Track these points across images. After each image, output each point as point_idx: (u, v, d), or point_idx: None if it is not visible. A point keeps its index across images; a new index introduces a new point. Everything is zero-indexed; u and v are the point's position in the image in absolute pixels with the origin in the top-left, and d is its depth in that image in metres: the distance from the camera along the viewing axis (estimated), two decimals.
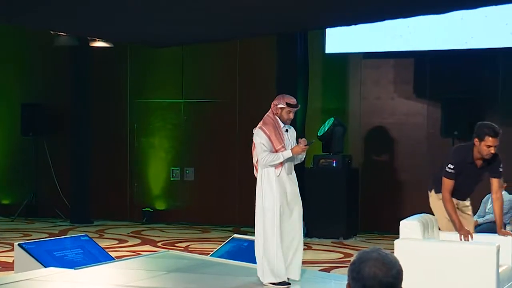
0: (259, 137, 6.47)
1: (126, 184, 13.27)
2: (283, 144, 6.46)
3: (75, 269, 7.04)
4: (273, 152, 6.43)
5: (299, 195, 6.64)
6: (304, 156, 6.72)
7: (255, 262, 7.36)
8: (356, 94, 12.20)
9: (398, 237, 6.16)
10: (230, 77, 12.63)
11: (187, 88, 12.99)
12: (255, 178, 6.62)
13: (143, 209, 12.97)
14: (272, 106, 6.57)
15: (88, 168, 12.89)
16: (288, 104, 6.51)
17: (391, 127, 11.98)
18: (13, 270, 7.53)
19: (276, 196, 6.42)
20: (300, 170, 11.58)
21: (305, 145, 6.42)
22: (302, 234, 6.68)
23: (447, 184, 6.45)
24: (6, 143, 13.91)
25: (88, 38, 11.63)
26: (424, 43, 11.30)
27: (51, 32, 11.15)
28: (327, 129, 11.32)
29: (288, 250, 6.53)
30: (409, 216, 6.55)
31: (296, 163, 6.70)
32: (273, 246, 6.45)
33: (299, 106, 6.73)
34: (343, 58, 12.17)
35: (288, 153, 6.42)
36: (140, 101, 13.25)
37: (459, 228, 6.42)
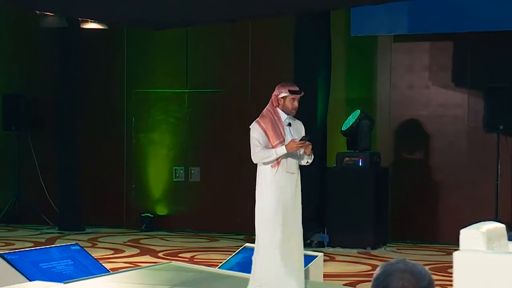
0: (254, 130, 6.60)
1: (122, 186, 13.31)
2: (281, 139, 6.53)
3: (64, 283, 7.07)
4: (270, 148, 6.52)
5: (300, 200, 6.71)
6: (312, 158, 6.72)
7: None
8: (385, 83, 12.18)
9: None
10: (241, 63, 12.63)
11: (192, 76, 13.01)
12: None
13: (142, 215, 13.00)
14: (272, 98, 6.71)
15: (79, 168, 12.93)
16: (291, 91, 6.65)
17: (425, 120, 11.95)
18: None
19: (272, 198, 6.52)
20: (322, 169, 11.65)
21: (300, 141, 6.50)
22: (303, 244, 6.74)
23: None
24: None
25: (79, 18, 11.66)
26: (465, 24, 11.25)
27: (36, 11, 11.18)
28: (352, 123, 11.32)
29: (289, 260, 6.54)
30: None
31: (302, 163, 6.71)
32: (264, 253, 6.53)
33: (303, 93, 6.84)
34: (370, 41, 12.14)
35: (282, 150, 6.49)
36: (139, 91, 13.28)
37: None
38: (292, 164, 6.58)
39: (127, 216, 13.24)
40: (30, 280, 7.15)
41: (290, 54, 11.80)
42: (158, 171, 13.17)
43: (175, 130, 13.12)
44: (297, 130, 6.72)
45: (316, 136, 11.49)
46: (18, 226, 13.07)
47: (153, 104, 13.23)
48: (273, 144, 6.53)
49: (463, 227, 11.68)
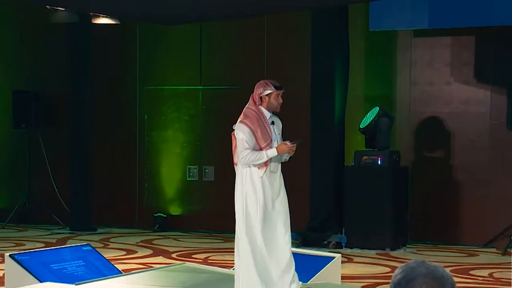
0: (242, 132, 6.66)
1: (134, 185, 13.35)
2: (269, 141, 6.64)
3: (76, 284, 7.11)
4: (257, 149, 6.61)
5: (286, 198, 6.81)
6: (290, 156, 6.83)
7: None
8: (405, 79, 12.15)
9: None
10: (256, 59, 12.64)
11: (206, 73, 13.02)
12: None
13: (155, 215, 13.04)
14: (255, 96, 6.81)
15: (91, 167, 12.97)
16: (276, 87, 6.76)
17: (446, 117, 11.92)
18: (3, 285, 7.61)
19: (260, 199, 6.63)
20: (339, 168, 11.65)
21: (292, 143, 6.63)
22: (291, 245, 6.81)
23: None
24: None
25: (90, 13, 11.69)
26: (487, 18, 11.22)
27: (46, 6, 11.22)
28: (371, 121, 11.30)
29: (277, 261, 6.65)
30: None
31: (282, 161, 6.85)
32: (250, 256, 6.65)
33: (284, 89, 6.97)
34: (390, 36, 12.12)
35: (273, 152, 6.60)
36: (151, 88, 13.31)
37: None
38: (276, 164, 6.74)
39: (139, 216, 13.27)
40: (41, 281, 7.19)
41: (307, 50, 11.79)
42: (171, 170, 13.19)
43: (188, 128, 13.15)
44: (278, 127, 6.84)
45: (333, 134, 11.53)
46: (29, 226, 13.13)
47: (166, 101, 13.25)
48: (262, 146, 6.62)
49: (485, 228, 11.68)
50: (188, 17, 10.51)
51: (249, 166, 6.65)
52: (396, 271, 2.48)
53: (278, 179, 6.76)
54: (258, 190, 6.63)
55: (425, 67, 12.06)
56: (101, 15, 11.60)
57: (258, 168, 6.63)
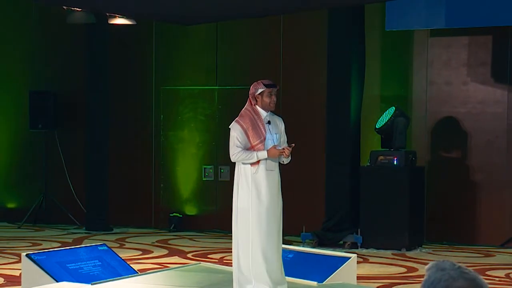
0: (233, 130, 6.93)
1: (150, 185, 13.38)
2: (262, 139, 6.84)
3: (91, 284, 7.14)
4: (249, 147, 6.83)
5: (280, 196, 6.98)
6: (289, 159, 6.99)
7: (301, 277, 7.42)
8: (421, 79, 12.13)
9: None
10: (272, 59, 12.64)
11: (221, 73, 13.04)
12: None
13: (171, 215, 13.07)
14: (249, 97, 7.02)
15: (107, 167, 13.02)
16: (266, 85, 6.95)
17: (463, 117, 11.89)
18: (20, 284, 7.66)
19: (253, 195, 6.79)
20: (355, 168, 11.63)
21: (282, 148, 6.83)
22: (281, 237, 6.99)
23: None
24: (12, 137, 14.11)
25: (107, 14, 11.74)
26: (504, 17, 11.18)
27: (63, 7, 11.27)
28: (387, 121, 11.30)
29: (274, 255, 6.81)
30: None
31: (280, 162, 6.98)
32: (247, 252, 6.75)
33: (278, 86, 7.08)
34: (406, 36, 12.10)
35: (263, 155, 6.82)
36: (167, 88, 13.35)
37: None
38: (271, 162, 6.88)
39: (155, 216, 13.31)
40: (57, 281, 7.23)
41: (323, 50, 11.79)
42: (187, 170, 13.22)
43: (204, 128, 13.17)
44: (277, 126, 7.00)
45: (349, 134, 11.52)
46: (45, 226, 13.20)
47: (182, 101, 13.28)
48: (253, 144, 6.82)
49: (502, 228, 11.65)
50: (204, 17, 10.53)
51: (243, 163, 6.84)
52: (433, 275, 2.35)
53: (276, 179, 6.91)
54: (251, 186, 6.79)
55: (442, 67, 12.03)
56: (117, 15, 11.64)
57: (251, 165, 6.83)
